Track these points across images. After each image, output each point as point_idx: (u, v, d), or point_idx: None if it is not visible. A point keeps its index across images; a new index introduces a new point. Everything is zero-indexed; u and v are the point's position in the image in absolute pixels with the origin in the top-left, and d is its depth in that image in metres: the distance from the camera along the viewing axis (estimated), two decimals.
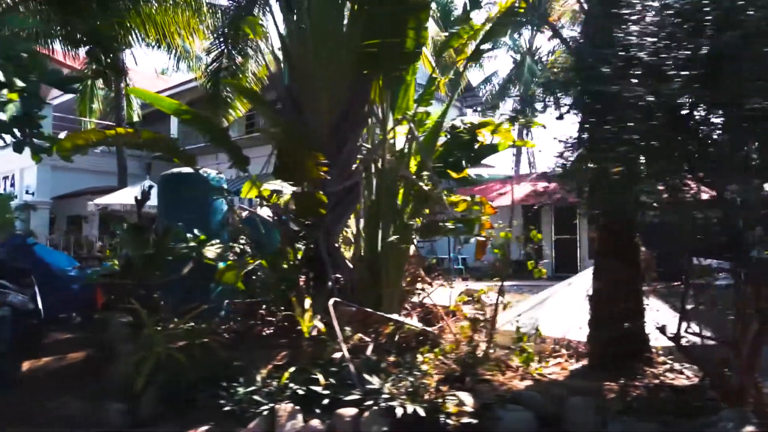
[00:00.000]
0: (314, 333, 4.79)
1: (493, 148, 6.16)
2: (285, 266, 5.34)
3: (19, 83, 3.56)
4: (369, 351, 3.96)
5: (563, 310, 5.47)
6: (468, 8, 4.79)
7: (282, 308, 4.99)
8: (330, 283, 5.32)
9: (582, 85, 3.33)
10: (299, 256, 5.65)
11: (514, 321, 4.51)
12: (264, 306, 5.79)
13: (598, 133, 3.21)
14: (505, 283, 4.48)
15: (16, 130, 6.39)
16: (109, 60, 7.29)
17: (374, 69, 4.75)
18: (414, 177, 5.32)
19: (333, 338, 4.00)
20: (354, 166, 5.44)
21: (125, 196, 13.53)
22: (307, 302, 4.23)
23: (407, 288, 5.48)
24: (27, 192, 16.09)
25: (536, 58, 23.06)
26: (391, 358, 4.01)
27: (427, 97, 5.97)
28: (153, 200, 13.44)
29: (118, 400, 3.77)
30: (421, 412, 3.10)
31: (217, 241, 5.90)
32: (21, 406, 4.09)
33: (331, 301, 4.15)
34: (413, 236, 5.46)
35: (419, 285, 5.46)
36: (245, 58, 12.68)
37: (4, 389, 4.39)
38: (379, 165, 5.32)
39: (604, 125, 3.22)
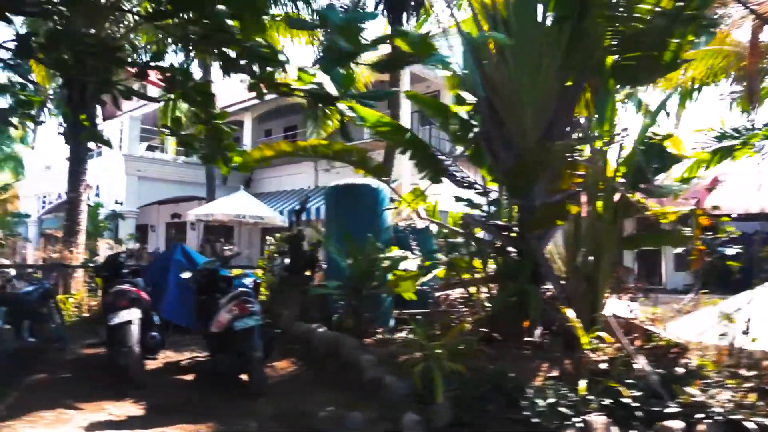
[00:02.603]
0: (537, 339, 4.84)
1: (677, 159, 6.12)
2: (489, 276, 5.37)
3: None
4: (643, 362, 3.94)
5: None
6: None
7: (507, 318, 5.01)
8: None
9: None
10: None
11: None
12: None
13: None
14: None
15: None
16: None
17: (628, 82, 4.78)
18: (623, 188, 5.30)
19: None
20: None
21: (222, 206, 13.80)
22: (571, 313, 4.24)
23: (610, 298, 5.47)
24: (116, 202, 16.45)
25: None
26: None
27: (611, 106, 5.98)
28: (244, 208, 13.58)
29: (410, 409, 3.79)
30: None
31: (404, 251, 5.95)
32: (295, 413, 4.14)
33: (609, 313, 4.15)
34: (620, 247, 5.46)
35: (624, 296, 5.43)
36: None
37: (260, 395, 4.47)
38: (590, 177, 5.32)
39: None
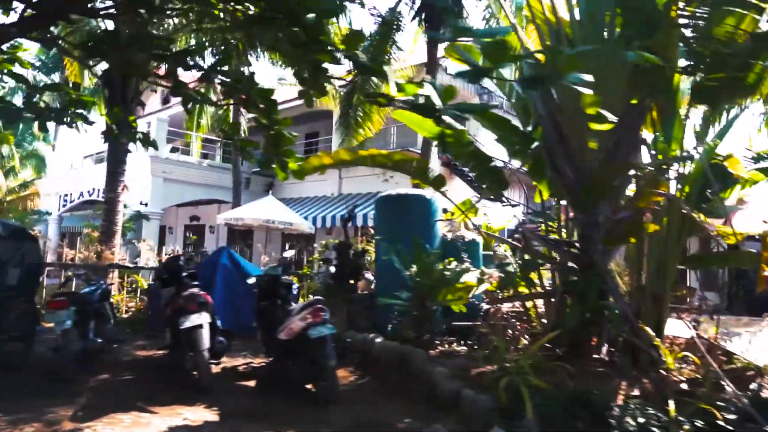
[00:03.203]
0: (604, 355, 4.80)
1: (736, 180, 6.11)
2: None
3: None
4: (728, 383, 3.91)
5: None
6: None
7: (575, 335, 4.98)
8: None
9: None
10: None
11: None
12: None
13: None
14: None
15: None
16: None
17: (708, 103, 4.80)
18: (687, 208, 5.30)
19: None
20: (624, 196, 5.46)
21: (252, 211, 13.82)
22: (649, 331, 4.22)
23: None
24: (141, 203, 16.49)
25: None
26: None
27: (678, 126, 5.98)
28: (276, 215, 13.59)
29: (495, 423, 3.77)
30: None
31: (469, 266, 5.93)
32: (372, 423, 4.12)
33: (693, 333, 4.13)
34: (685, 266, 5.44)
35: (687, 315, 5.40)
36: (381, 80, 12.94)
37: (330, 404, 4.45)
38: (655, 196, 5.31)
39: None
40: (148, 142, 7.63)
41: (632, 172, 5.63)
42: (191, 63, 5.91)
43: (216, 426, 4.06)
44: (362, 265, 7.74)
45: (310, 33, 3.91)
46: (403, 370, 4.99)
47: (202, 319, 4.75)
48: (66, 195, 20.84)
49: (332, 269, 7.60)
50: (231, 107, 17.51)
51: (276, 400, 4.74)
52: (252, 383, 5.28)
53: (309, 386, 4.88)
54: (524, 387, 3.82)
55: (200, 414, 4.27)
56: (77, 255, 9.60)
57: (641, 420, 3.59)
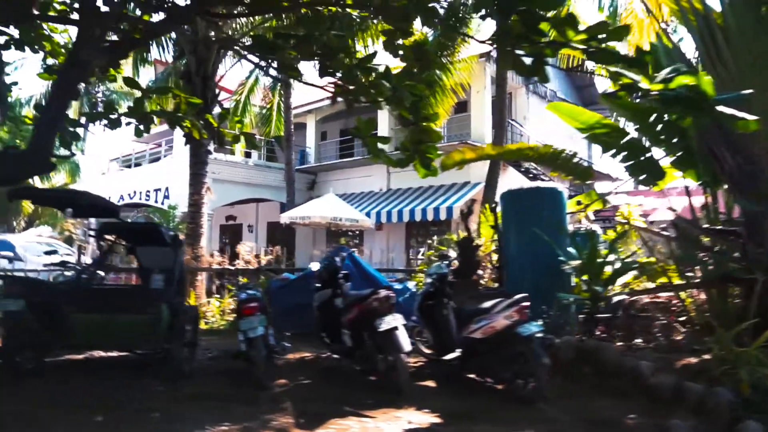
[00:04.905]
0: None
1: None
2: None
3: None
4: None
5: None
6: None
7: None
8: None
9: None
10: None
11: None
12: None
13: None
14: None
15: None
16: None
17: None
18: None
19: None
20: None
21: (318, 209, 13.76)
22: None
23: None
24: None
25: None
26: None
27: None
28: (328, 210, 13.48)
29: (745, 416, 3.73)
30: None
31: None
32: (597, 420, 4.07)
33: None
34: None
35: None
36: (443, 71, 12.85)
37: (539, 401, 4.39)
38: None
39: None
40: (252, 142, 7.53)
41: None
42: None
43: (444, 428, 4.01)
44: (480, 260, 7.67)
45: (529, 23, 3.83)
46: (591, 364, 4.94)
47: (397, 320, 4.69)
48: None
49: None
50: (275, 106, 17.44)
51: (474, 399, 4.70)
52: (430, 383, 5.22)
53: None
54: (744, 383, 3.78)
55: (419, 416, 4.22)
56: None
57: None
